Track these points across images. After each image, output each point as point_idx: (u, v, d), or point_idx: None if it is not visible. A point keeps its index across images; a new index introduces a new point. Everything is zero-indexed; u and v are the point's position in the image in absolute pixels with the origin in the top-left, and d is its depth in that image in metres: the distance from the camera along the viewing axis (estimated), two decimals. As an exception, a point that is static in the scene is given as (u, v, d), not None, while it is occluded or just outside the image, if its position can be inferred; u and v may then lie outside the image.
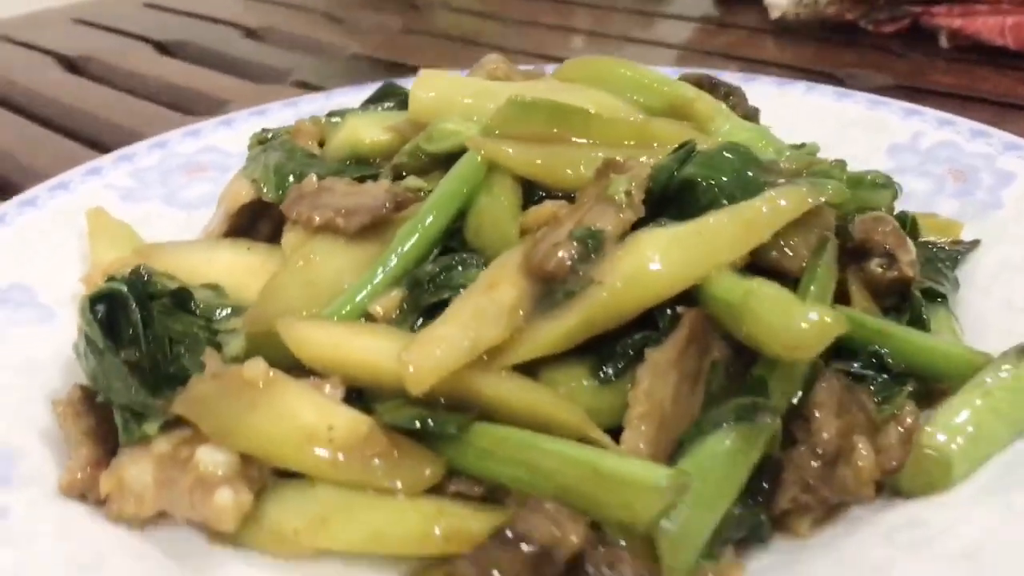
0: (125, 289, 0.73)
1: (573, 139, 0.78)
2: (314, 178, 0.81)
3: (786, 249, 0.69)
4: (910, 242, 0.75)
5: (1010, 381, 0.64)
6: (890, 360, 0.69)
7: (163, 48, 1.80)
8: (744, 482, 0.60)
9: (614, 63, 0.88)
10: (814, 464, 0.61)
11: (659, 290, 0.64)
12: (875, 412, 0.64)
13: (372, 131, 0.86)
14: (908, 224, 0.81)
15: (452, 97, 0.84)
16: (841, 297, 0.72)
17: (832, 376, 0.64)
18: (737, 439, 0.59)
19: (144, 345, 0.72)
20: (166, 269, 0.80)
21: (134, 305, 0.72)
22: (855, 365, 0.68)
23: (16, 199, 0.94)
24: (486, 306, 0.65)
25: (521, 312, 0.65)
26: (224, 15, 1.97)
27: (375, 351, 0.65)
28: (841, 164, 0.80)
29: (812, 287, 0.67)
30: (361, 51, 1.71)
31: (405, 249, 0.73)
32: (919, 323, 0.72)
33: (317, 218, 0.76)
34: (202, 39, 1.82)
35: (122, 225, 0.92)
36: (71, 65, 1.72)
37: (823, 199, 0.69)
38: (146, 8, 2.09)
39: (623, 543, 0.56)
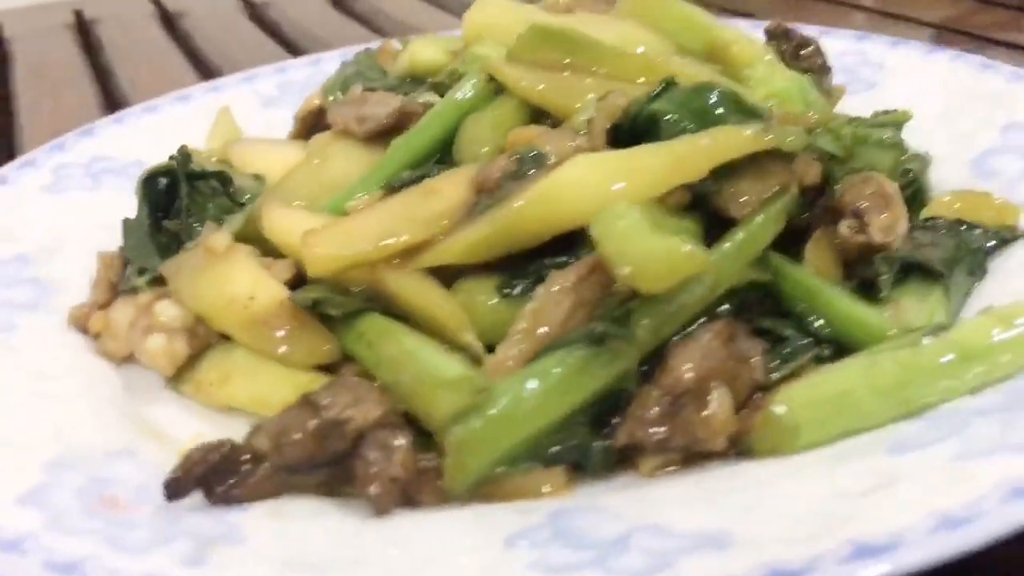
0: (174, 167, 0.84)
1: (587, 70, 0.79)
2: (359, 88, 0.88)
3: (733, 193, 0.67)
4: (897, 209, 0.70)
5: (906, 358, 0.59)
6: (817, 323, 0.65)
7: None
8: (577, 406, 0.60)
9: (674, 3, 0.87)
10: (658, 403, 0.59)
11: (568, 213, 0.65)
12: (759, 368, 0.62)
13: (429, 52, 0.92)
14: (916, 193, 0.74)
15: (501, 23, 0.87)
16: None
17: (716, 323, 0.62)
18: (576, 361, 0.59)
19: (182, 216, 0.83)
20: (237, 160, 0.91)
21: (175, 181, 0.84)
22: (767, 321, 0.65)
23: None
24: (414, 208, 0.69)
25: (445, 221, 0.69)
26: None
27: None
28: (859, 121, 0.75)
29: (740, 234, 0.65)
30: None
31: (393, 156, 0.78)
32: (870, 292, 0.67)
33: (339, 122, 0.84)
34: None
35: (235, 128, 1.03)
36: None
37: (771, 142, 0.66)
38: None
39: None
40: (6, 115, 1.47)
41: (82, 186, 0.97)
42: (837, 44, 1.09)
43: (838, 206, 0.70)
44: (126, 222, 0.84)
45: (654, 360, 0.62)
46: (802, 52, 0.89)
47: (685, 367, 0.60)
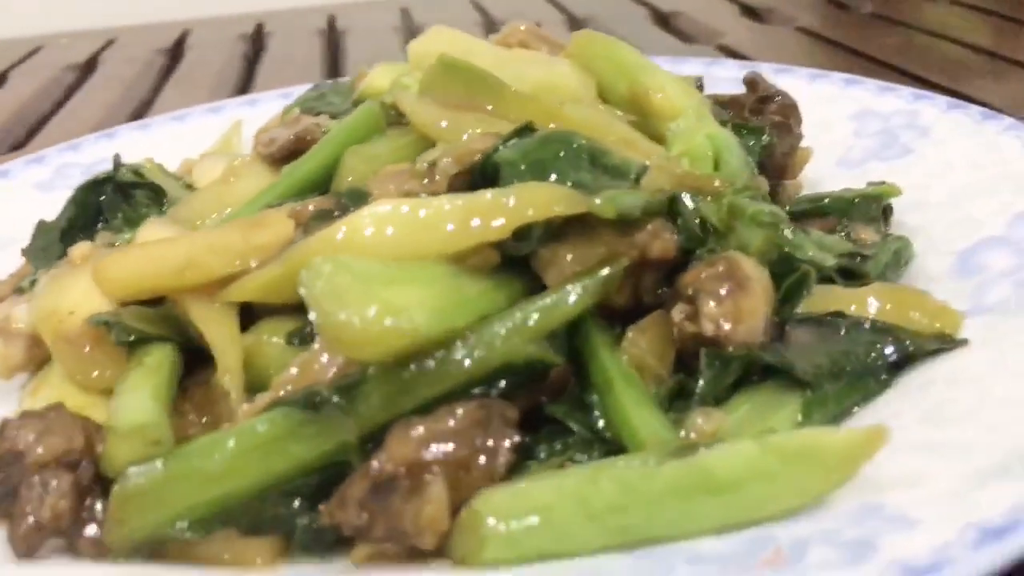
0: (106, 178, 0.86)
1: (488, 109, 0.73)
2: (296, 112, 0.86)
3: (549, 258, 0.59)
4: (748, 300, 0.59)
5: (632, 478, 0.49)
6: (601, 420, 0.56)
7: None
8: (284, 473, 0.54)
9: (612, 43, 0.79)
10: (364, 486, 0.53)
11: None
12: (499, 462, 0.53)
13: (383, 79, 0.88)
14: (800, 282, 0.62)
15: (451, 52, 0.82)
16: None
17: (464, 403, 0.54)
18: (285, 424, 0.54)
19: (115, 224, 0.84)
20: (195, 175, 0.91)
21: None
22: (560, 408, 0.57)
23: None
24: (234, 240, 0.66)
25: (260, 256, 0.65)
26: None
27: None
28: (751, 189, 0.64)
29: (528, 306, 0.57)
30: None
31: (281, 182, 0.76)
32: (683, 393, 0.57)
33: (256, 142, 0.82)
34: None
35: (235, 143, 1.04)
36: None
37: (588, 206, 0.58)
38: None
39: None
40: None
41: (73, 186, 1.00)
42: (892, 103, 0.97)
43: (678, 287, 0.60)
44: (40, 224, 0.85)
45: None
46: (765, 106, 0.78)
47: (399, 449, 0.53)
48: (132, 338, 0.64)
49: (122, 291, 0.64)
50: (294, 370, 0.58)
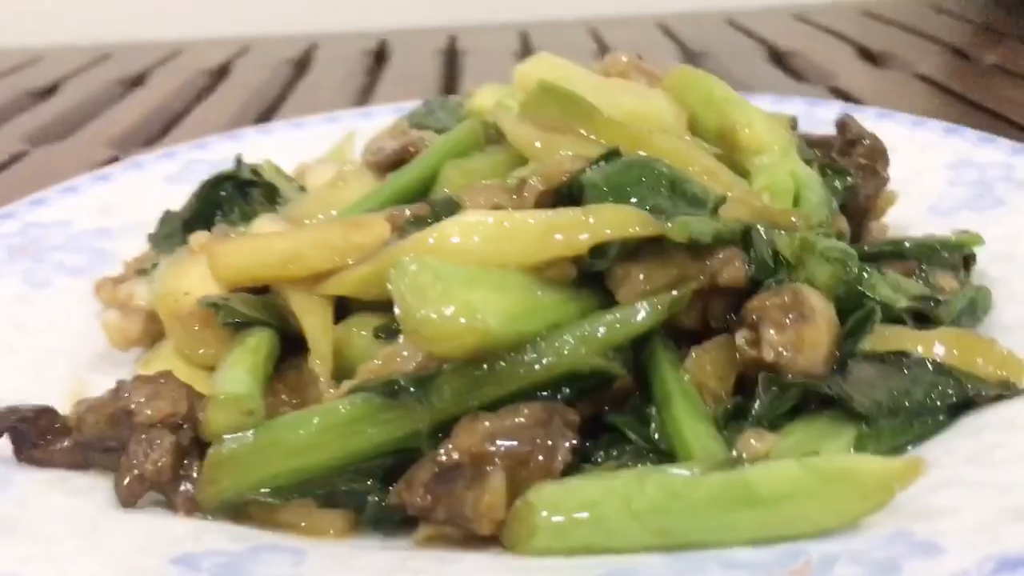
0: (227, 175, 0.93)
1: (581, 133, 0.77)
2: (404, 125, 0.92)
3: (622, 276, 0.63)
4: (810, 330, 0.61)
5: (676, 485, 0.52)
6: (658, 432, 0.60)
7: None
8: (360, 453, 0.59)
9: (706, 78, 0.82)
10: (431, 471, 0.57)
11: (440, 264, 0.64)
12: (557, 461, 0.57)
13: (486, 98, 0.93)
14: (866, 319, 0.64)
15: (548, 78, 0.87)
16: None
17: (529, 404, 0.58)
18: (364, 408, 0.59)
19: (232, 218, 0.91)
20: (308, 179, 0.97)
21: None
22: (620, 418, 0.61)
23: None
24: (335, 238, 0.72)
25: (358, 254, 0.70)
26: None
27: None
28: (826, 226, 0.67)
29: (598, 319, 0.61)
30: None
31: (383, 188, 0.81)
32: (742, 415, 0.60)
33: (365, 151, 0.88)
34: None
35: (347, 151, 1.11)
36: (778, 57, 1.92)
37: (660, 229, 0.61)
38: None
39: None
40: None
41: (198, 181, 1.07)
42: (990, 154, 0.97)
43: (744, 313, 0.63)
44: (165, 214, 0.93)
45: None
46: (854, 149, 0.80)
47: (466, 440, 0.57)
48: (237, 320, 0.70)
49: (233, 276, 0.70)
50: (378, 361, 0.63)
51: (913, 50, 1.92)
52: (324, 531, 0.59)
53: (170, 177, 1.08)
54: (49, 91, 1.93)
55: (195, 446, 0.61)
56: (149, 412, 0.60)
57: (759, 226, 0.65)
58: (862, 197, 0.79)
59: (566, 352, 0.60)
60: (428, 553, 0.56)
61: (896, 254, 0.76)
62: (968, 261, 0.80)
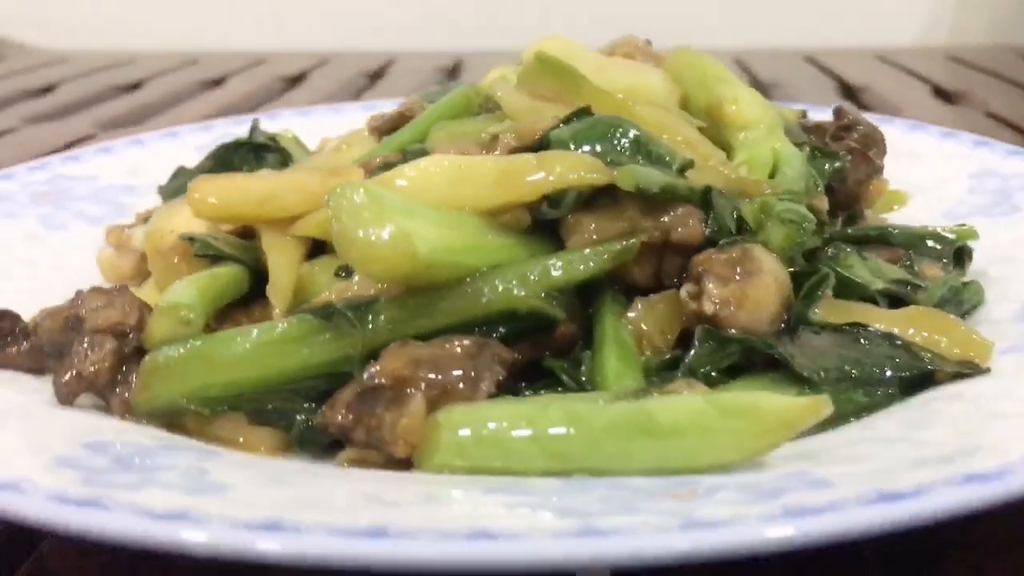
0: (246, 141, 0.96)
1: (570, 101, 0.78)
2: (416, 96, 0.94)
3: (572, 223, 0.63)
4: (755, 289, 0.60)
5: (580, 411, 0.51)
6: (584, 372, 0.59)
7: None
8: (292, 373, 0.60)
9: (702, 57, 0.82)
10: (353, 390, 0.58)
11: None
12: (480, 392, 0.57)
13: (496, 76, 0.94)
14: (811, 289, 0.63)
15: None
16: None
17: (459, 337, 0.59)
18: (298, 327, 0.60)
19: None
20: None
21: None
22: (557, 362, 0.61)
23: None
24: (312, 183, 0.73)
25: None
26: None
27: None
28: (796, 195, 0.66)
29: (542, 261, 0.61)
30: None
31: (376, 149, 0.83)
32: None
33: (370, 119, 0.90)
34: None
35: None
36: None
37: (608, 178, 0.61)
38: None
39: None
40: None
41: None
42: (1016, 166, 0.95)
43: (690, 267, 0.62)
44: (178, 168, 0.96)
45: (385, 353, 0.60)
46: (847, 134, 0.79)
47: (391, 363, 0.57)
48: (210, 254, 0.72)
49: (210, 211, 0.72)
50: (329, 293, 0.64)
51: (988, 91, 1.88)
52: (255, 447, 0.60)
53: (201, 147, 1.11)
54: (132, 87, 2.02)
55: (139, 355, 0.62)
56: (99, 320, 0.62)
57: (722, 191, 0.65)
58: (852, 181, 0.77)
59: (503, 290, 0.60)
60: (328, 468, 0.56)
61: (881, 239, 0.75)
62: (962, 255, 0.78)
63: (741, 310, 0.60)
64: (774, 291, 0.61)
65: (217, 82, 2.07)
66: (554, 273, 0.60)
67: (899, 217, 0.89)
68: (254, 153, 0.95)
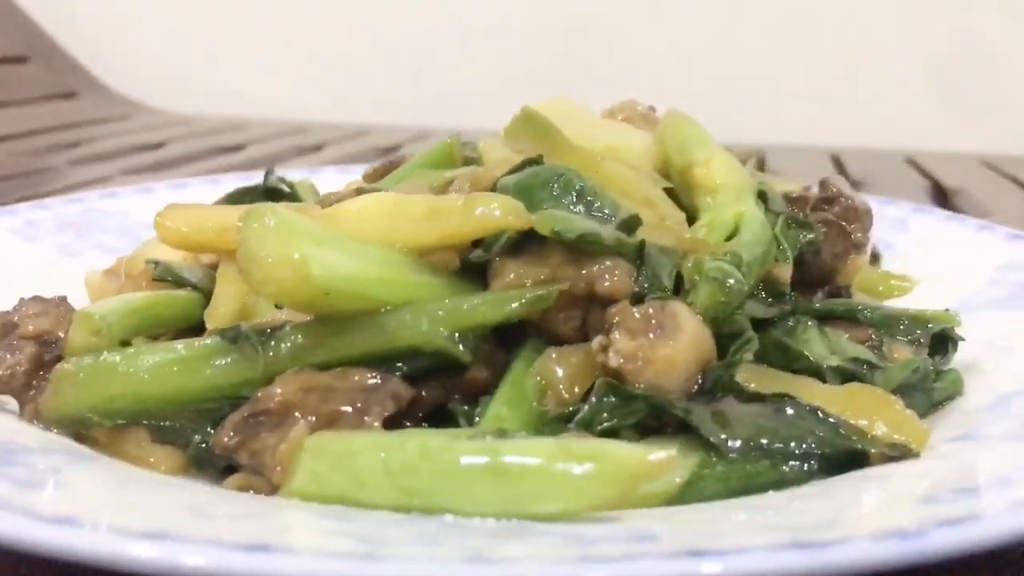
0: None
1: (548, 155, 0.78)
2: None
3: (497, 267, 0.62)
4: (668, 348, 0.57)
5: (434, 446, 0.50)
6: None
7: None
8: (194, 393, 0.60)
9: (687, 121, 0.80)
10: (243, 412, 0.57)
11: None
12: (359, 422, 0.56)
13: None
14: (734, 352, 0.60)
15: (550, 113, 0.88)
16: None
17: (357, 370, 0.58)
18: (204, 348, 0.60)
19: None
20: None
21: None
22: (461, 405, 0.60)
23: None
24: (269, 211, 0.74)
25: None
26: None
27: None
28: (737, 258, 0.64)
29: (460, 300, 0.60)
30: None
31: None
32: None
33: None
34: None
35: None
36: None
37: (526, 223, 0.60)
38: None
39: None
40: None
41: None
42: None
43: (606, 318, 0.60)
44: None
45: (285, 379, 0.59)
46: (829, 207, 0.75)
47: (282, 388, 0.57)
48: (168, 278, 0.73)
49: (173, 238, 0.74)
50: (256, 320, 0.65)
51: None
52: (156, 465, 0.60)
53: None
54: (236, 148, 2.12)
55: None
56: (31, 327, 0.64)
57: (664, 249, 0.63)
58: (827, 255, 0.74)
59: (409, 325, 0.59)
60: (188, 485, 0.56)
61: (849, 316, 0.71)
62: (944, 342, 0.73)
63: (649, 366, 0.57)
64: (689, 351, 0.58)
65: (314, 148, 2.15)
66: (464, 313, 0.59)
67: (901, 303, 0.84)
68: (266, 197, 0.97)
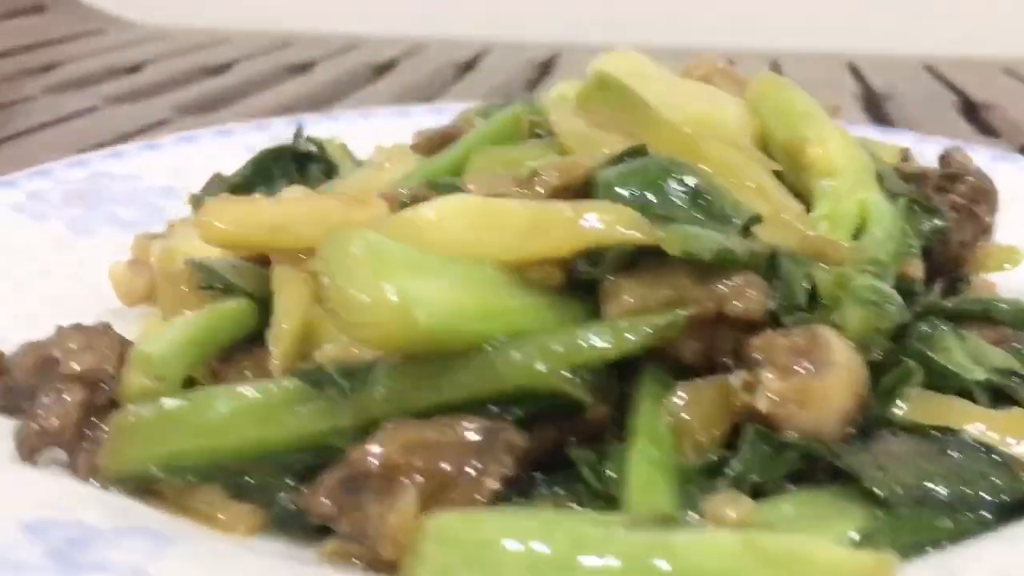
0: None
1: (630, 132, 0.69)
2: (470, 114, 0.85)
3: (611, 288, 0.54)
4: (822, 385, 0.50)
5: (590, 536, 0.42)
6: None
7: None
8: (273, 443, 0.52)
9: (788, 88, 0.71)
10: (339, 474, 0.50)
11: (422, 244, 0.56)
12: (485, 488, 0.49)
13: (563, 90, 0.85)
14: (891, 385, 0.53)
15: (623, 73, 0.79)
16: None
17: (466, 418, 0.50)
18: (283, 394, 0.52)
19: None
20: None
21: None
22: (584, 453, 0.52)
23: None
24: (332, 212, 0.66)
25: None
26: None
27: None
28: (878, 265, 0.56)
29: (579, 332, 0.52)
30: None
31: (418, 170, 0.75)
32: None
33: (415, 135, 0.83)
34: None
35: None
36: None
37: (653, 239, 0.52)
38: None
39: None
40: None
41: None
42: None
43: (746, 351, 0.52)
44: (215, 175, 0.89)
45: (380, 430, 0.51)
46: (953, 185, 0.67)
47: (378, 447, 0.49)
48: (216, 285, 0.65)
49: (219, 237, 0.65)
50: (330, 347, 0.56)
51: None
52: (232, 527, 0.53)
53: (253, 147, 1.05)
54: (221, 69, 1.99)
55: (114, 407, 0.55)
56: (74, 363, 0.56)
57: (794, 254, 0.55)
58: (955, 243, 0.66)
59: (521, 364, 0.51)
60: (309, 569, 0.49)
61: (984, 316, 0.63)
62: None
63: (803, 410, 0.50)
64: (845, 387, 0.51)
65: (304, 67, 2.02)
66: (583, 348, 0.51)
67: (1011, 281, 0.76)
68: (297, 162, 0.88)
